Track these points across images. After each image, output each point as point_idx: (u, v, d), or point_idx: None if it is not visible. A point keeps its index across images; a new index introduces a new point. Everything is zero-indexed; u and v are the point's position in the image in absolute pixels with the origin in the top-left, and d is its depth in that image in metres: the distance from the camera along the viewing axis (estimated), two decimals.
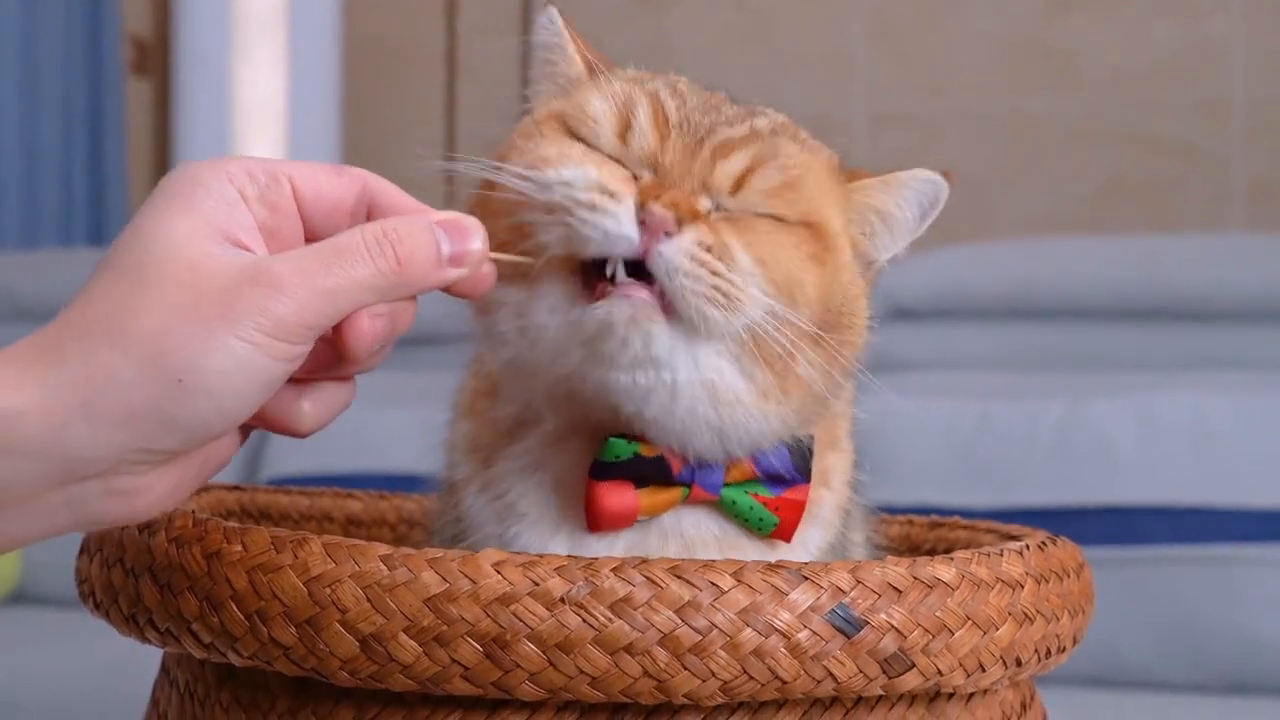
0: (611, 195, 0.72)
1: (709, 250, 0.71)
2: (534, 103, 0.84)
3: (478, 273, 0.68)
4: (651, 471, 0.76)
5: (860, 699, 0.71)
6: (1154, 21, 3.58)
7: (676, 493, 0.76)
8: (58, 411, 0.60)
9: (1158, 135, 3.54)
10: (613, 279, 0.72)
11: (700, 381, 0.73)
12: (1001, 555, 0.73)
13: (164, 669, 0.83)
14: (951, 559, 0.71)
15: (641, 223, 0.71)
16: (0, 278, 2.82)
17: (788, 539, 0.79)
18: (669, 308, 0.72)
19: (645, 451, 0.75)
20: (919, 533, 0.99)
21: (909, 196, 0.82)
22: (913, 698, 0.72)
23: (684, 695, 0.66)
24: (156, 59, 4.18)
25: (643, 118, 0.76)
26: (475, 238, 0.68)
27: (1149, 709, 1.78)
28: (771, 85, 3.93)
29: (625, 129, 0.76)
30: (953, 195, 0.85)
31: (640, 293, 0.71)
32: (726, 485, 0.77)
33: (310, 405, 0.68)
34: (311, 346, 0.64)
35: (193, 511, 0.74)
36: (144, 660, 0.87)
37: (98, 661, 2.08)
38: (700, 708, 0.68)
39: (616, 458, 0.75)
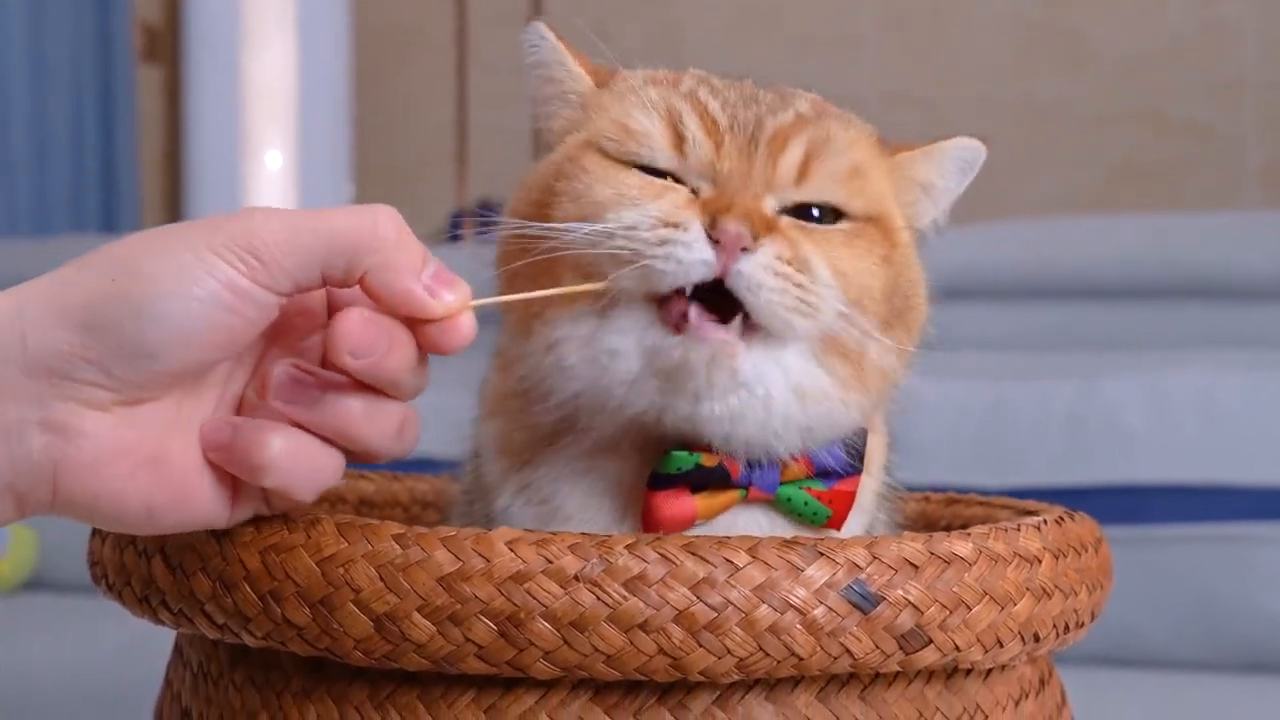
0: (678, 226, 0.69)
1: (790, 264, 0.70)
2: (548, 124, 0.81)
3: (455, 321, 0.66)
4: (711, 477, 0.74)
5: (877, 675, 0.70)
6: (1165, 2, 3.56)
7: (734, 495, 0.75)
8: (11, 302, 0.62)
9: (1170, 117, 3.53)
10: (690, 296, 0.70)
11: (791, 386, 0.72)
12: (1019, 530, 0.73)
13: (177, 650, 0.83)
14: (968, 534, 0.71)
15: (715, 241, 0.69)
16: (12, 265, 2.80)
17: (838, 529, 0.78)
18: (750, 325, 0.71)
19: (707, 461, 0.74)
20: (935, 509, 0.98)
21: (950, 166, 0.81)
22: (930, 674, 0.72)
23: (699, 672, 0.66)
24: (167, 45, 4.18)
25: (693, 126, 0.73)
26: (459, 286, 0.66)
27: (1165, 688, 1.78)
28: (781, 70, 3.91)
29: (679, 141, 0.74)
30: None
31: (717, 333, 0.70)
32: (782, 484, 0.76)
33: (282, 443, 0.64)
34: (272, 300, 0.62)
35: None
36: (160, 645, 0.87)
37: (113, 646, 2.08)
38: (716, 685, 0.68)
39: (678, 469, 0.74)
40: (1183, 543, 1.88)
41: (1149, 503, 1.91)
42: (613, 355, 0.72)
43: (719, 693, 0.69)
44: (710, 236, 0.69)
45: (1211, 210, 3.30)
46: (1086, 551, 0.76)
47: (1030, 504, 0.88)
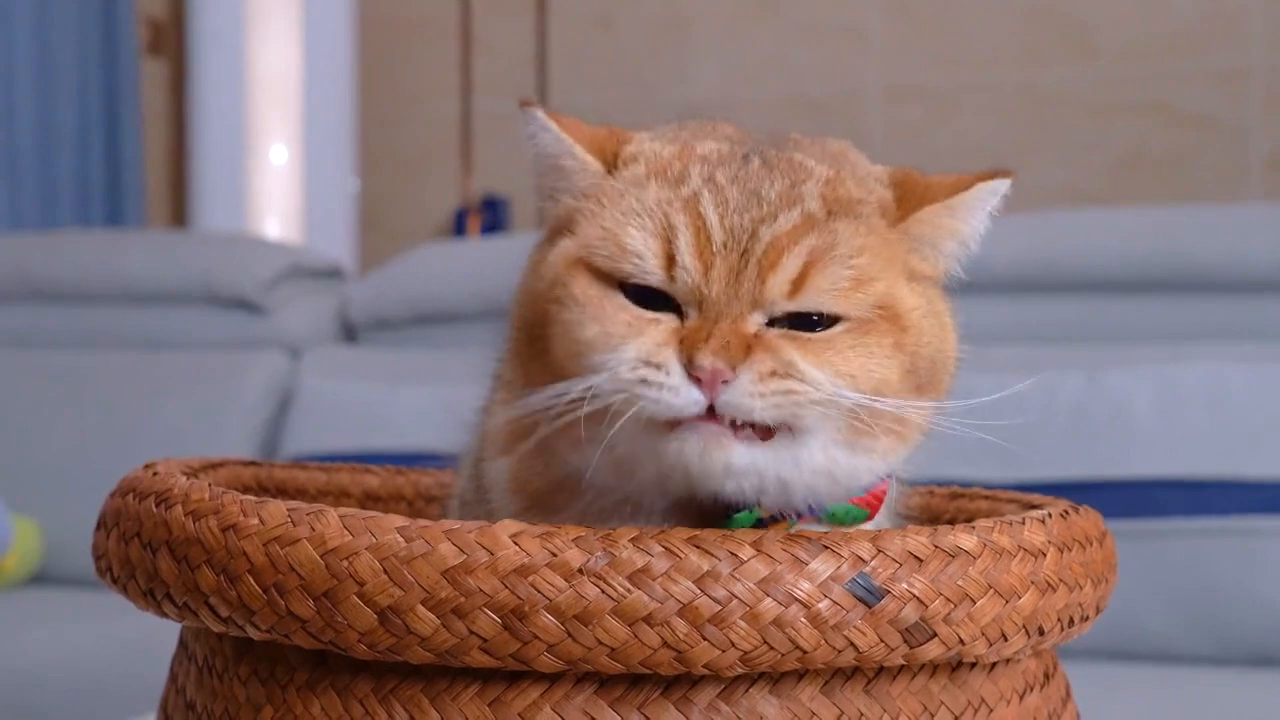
0: (658, 367, 0.70)
1: (774, 375, 0.70)
2: (553, 210, 0.80)
3: None
4: (768, 523, 0.74)
5: (882, 669, 0.70)
6: None
7: (784, 525, 0.75)
8: None
9: (1175, 106, 3.53)
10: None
11: (812, 471, 0.72)
12: (1024, 524, 0.73)
13: (182, 643, 0.83)
14: (973, 528, 0.71)
15: (696, 379, 0.70)
16: (18, 258, 2.82)
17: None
18: (764, 433, 0.71)
19: (765, 514, 0.74)
20: (939, 503, 0.98)
21: (976, 214, 0.79)
22: (935, 668, 0.72)
23: (703, 666, 0.66)
24: (171, 39, 4.18)
25: (684, 248, 0.72)
26: None
27: (1170, 682, 1.77)
28: (786, 59, 3.92)
29: (670, 263, 0.73)
30: (968, 169, 0.83)
31: (708, 425, 0.70)
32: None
33: None
34: None
35: (209, 485, 0.74)
36: (166, 639, 0.87)
37: (119, 641, 2.09)
38: (720, 678, 0.68)
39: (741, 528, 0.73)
40: (1188, 536, 1.88)
41: (1155, 497, 1.91)
42: (633, 463, 0.73)
43: (723, 686, 0.69)
44: (693, 374, 0.70)
45: (1217, 201, 3.29)
46: (1091, 545, 0.76)
47: (1035, 497, 0.88)
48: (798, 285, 0.72)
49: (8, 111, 3.61)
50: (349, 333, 2.75)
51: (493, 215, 4.08)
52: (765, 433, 0.71)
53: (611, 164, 0.79)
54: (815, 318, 0.73)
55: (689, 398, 0.70)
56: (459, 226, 4.11)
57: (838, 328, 0.73)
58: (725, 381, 0.70)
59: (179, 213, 4.19)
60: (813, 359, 0.71)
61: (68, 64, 3.72)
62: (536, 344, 0.76)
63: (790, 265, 0.72)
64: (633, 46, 4.04)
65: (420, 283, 2.63)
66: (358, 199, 3.96)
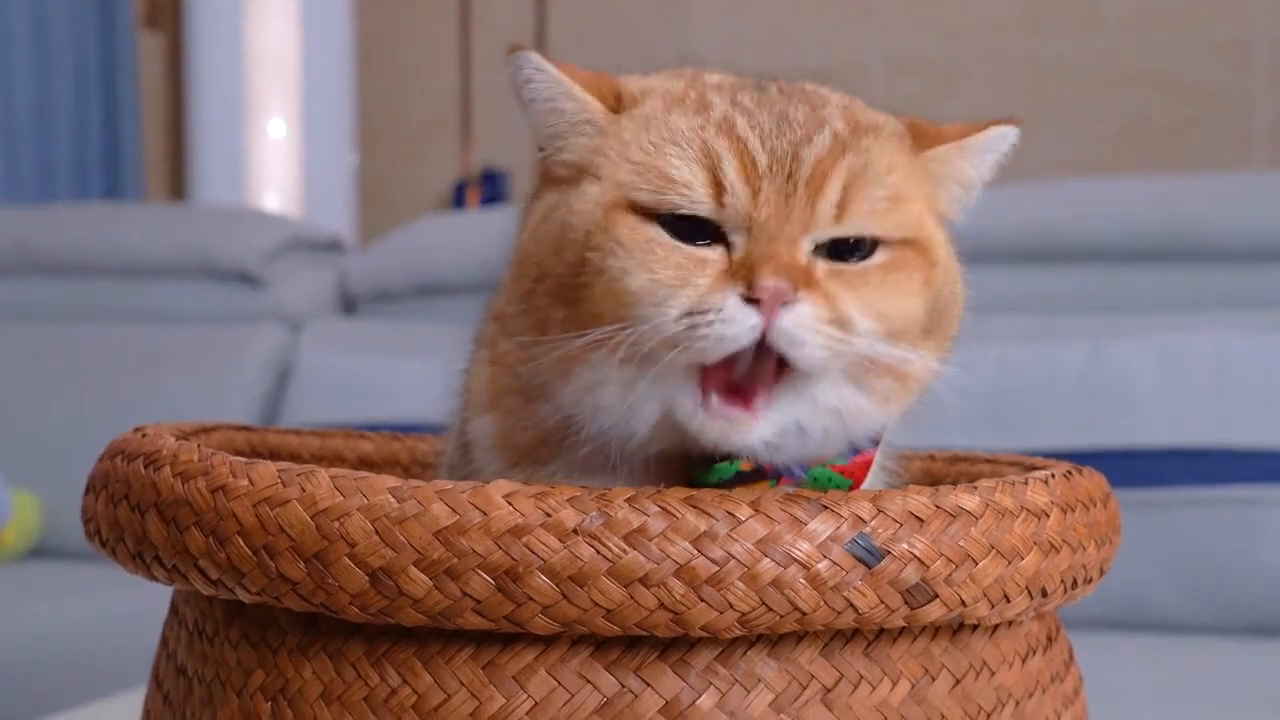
0: (705, 312, 0.68)
1: (831, 323, 0.69)
2: (558, 157, 0.77)
3: None
4: (749, 478, 0.73)
5: (882, 631, 0.69)
6: None
7: (764, 484, 0.73)
8: None
9: (1178, 77, 3.51)
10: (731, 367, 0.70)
11: (827, 412, 0.72)
12: (1026, 484, 0.72)
13: (173, 608, 0.82)
14: (975, 488, 0.70)
15: (755, 300, 0.68)
16: (16, 231, 2.81)
17: None
18: (783, 370, 0.70)
19: (746, 466, 0.73)
20: (940, 468, 0.97)
21: (988, 159, 0.79)
22: (936, 630, 0.71)
23: (701, 627, 0.65)
24: (168, 12, 4.16)
25: (732, 174, 0.70)
26: None
27: (1172, 651, 1.77)
28: (788, 31, 3.90)
29: (719, 191, 0.71)
30: None
31: (734, 412, 0.69)
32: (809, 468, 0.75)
33: None
34: None
35: (198, 446, 0.73)
36: (164, 611, 0.86)
37: (118, 613, 2.09)
38: (718, 640, 0.67)
39: (719, 480, 0.72)
40: (1190, 506, 1.87)
41: (1157, 466, 1.90)
42: (639, 409, 0.71)
43: (721, 648, 0.67)
44: (750, 297, 0.68)
45: (1219, 170, 3.28)
46: (1095, 506, 0.75)
47: (1038, 460, 0.86)
48: (842, 208, 0.71)
49: (5, 86, 3.60)
50: (349, 305, 2.74)
51: (492, 188, 4.07)
52: (783, 374, 0.70)
53: (613, 105, 0.76)
54: (854, 243, 0.72)
55: (745, 324, 0.68)
56: (458, 199, 4.10)
57: (874, 259, 0.72)
58: (786, 304, 0.68)
59: (177, 186, 4.18)
60: (855, 300, 0.70)
61: (65, 38, 3.71)
62: (563, 293, 0.73)
63: (834, 187, 0.71)
64: (633, 18, 4.02)
65: (420, 255, 2.62)
66: (357, 173, 3.94)
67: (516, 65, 0.76)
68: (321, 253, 2.82)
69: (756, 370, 0.70)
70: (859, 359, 0.71)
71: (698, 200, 0.71)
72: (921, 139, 0.78)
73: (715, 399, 0.70)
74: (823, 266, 0.71)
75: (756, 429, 0.70)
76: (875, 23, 3.80)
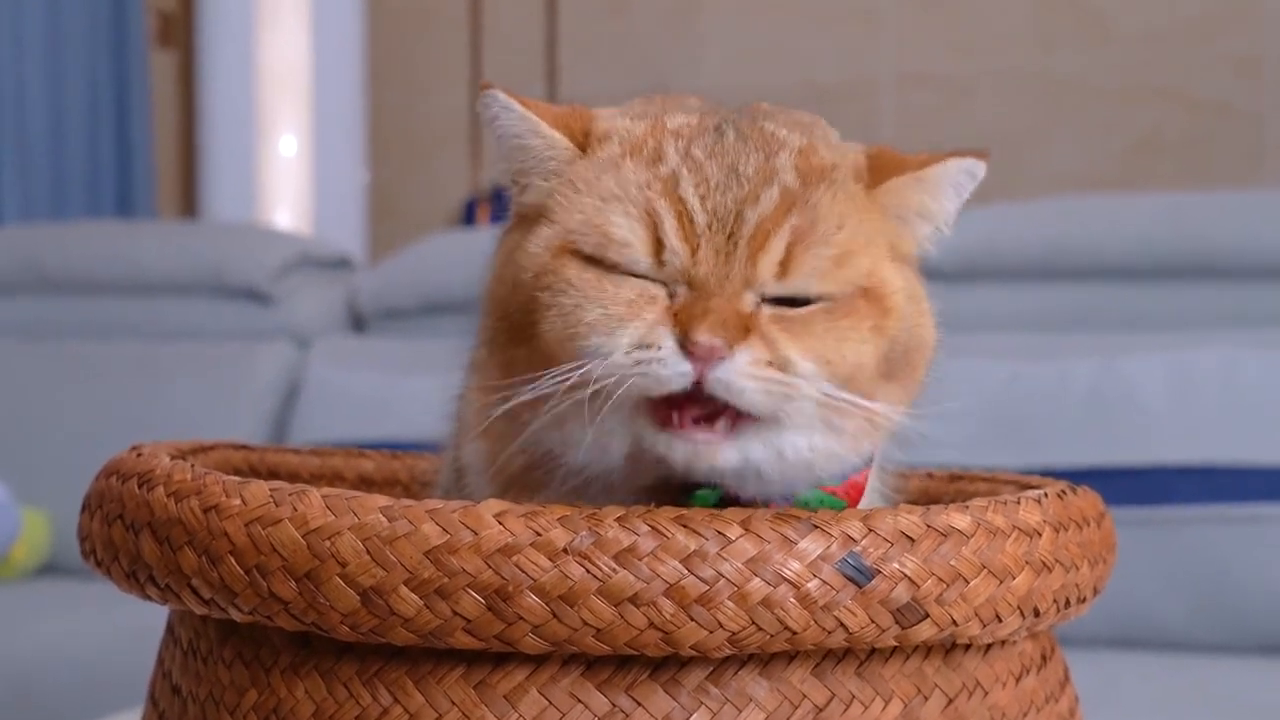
0: (650, 346, 0.69)
1: (770, 365, 0.69)
2: (522, 197, 0.78)
3: None
4: (734, 502, 0.73)
5: (874, 651, 0.69)
6: None
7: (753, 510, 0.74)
8: None
9: (1190, 92, 3.51)
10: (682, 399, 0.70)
11: (794, 459, 0.72)
12: (1019, 503, 0.72)
13: (169, 628, 0.82)
14: (966, 507, 0.70)
15: (690, 353, 0.69)
16: (29, 249, 2.82)
17: None
18: (742, 415, 0.70)
19: (729, 493, 0.73)
20: (938, 486, 0.97)
21: (948, 191, 0.78)
22: (928, 650, 0.71)
23: (691, 647, 0.65)
24: (181, 30, 4.18)
25: (671, 234, 0.71)
26: None
27: (1182, 670, 1.76)
28: (799, 45, 3.90)
29: (658, 249, 0.72)
30: None
31: (698, 434, 0.70)
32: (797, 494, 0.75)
33: None
34: None
35: (191, 466, 0.73)
36: None
37: (127, 631, 2.09)
38: (708, 660, 0.67)
39: (703, 506, 0.72)
40: (1201, 524, 1.87)
41: (1168, 483, 1.89)
42: (609, 441, 0.72)
43: (713, 668, 0.67)
44: (684, 349, 0.69)
45: (1231, 187, 3.27)
46: (1088, 525, 0.75)
47: (1033, 479, 0.86)
48: (785, 266, 0.71)
49: (19, 103, 3.61)
50: (358, 322, 2.74)
51: (502, 206, 4.07)
52: (744, 421, 0.70)
53: (581, 142, 0.77)
54: (801, 297, 0.72)
55: (677, 369, 0.69)
56: (469, 216, 4.11)
57: (819, 304, 0.72)
58: (721, 359, 0.69)
59: (189, 203, 4.19)
60: (796, 345, 0.71)
61: (78, 54, 3.73)
62: (519, 332, 0.75)
63: (776, 247, 0.71)
64: (644, 33, 4.03)
65: (430, 272, 2.62)
66: (367, 189, 3.95)
67: (484, 103, 0.78)
68: (331, 270, 2.83)
69: (711, 404, 0.70)
70: (820, 400, 0.71)
71: (637, 258, 0.72)
72: (881, 171, 0.77)
73: (678, 416, 0.70)
74: (768, 311, 0.72)
75: (723, 451, 0.70)
76: (887, 37, 3.80)
